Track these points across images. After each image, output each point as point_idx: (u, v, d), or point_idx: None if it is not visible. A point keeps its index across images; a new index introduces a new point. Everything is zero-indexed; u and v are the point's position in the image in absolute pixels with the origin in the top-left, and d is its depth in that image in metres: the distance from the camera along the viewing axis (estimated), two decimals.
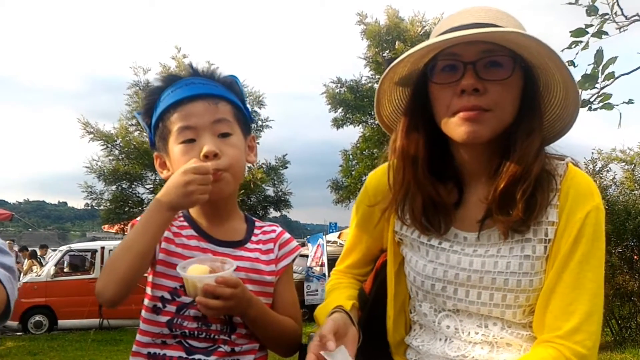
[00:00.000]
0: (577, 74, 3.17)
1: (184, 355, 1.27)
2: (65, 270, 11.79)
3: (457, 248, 1.23)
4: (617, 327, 7.51)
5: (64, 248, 12.36)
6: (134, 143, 11.53)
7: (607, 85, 3.08)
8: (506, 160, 1.16)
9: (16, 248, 15.54)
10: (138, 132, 11.53)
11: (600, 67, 3.01)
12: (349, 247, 1.48)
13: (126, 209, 11.88)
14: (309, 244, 12.32)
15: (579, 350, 1.09)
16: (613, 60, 2.95)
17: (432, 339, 1.27)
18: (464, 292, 1.21)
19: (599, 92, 3.09)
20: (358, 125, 13.51)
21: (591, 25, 3.09)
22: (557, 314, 1.12)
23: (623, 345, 7.01)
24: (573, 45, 3.11)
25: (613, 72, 3.02)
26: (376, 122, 1.41)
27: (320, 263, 11.61)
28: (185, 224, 1.37)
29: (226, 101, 1.37)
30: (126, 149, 11.69)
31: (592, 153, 8.34)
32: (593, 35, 3.06)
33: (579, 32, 3.09)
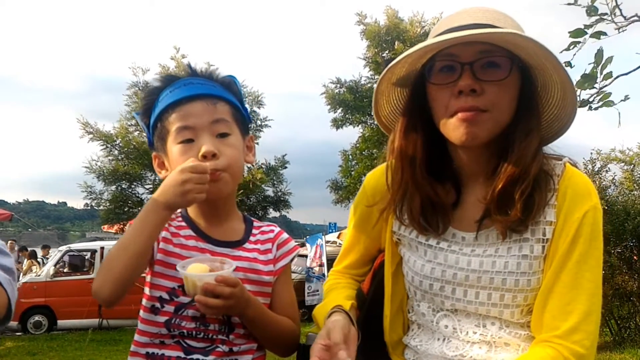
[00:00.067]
0: (576, 74, 3.18)
1: (182, 355, 1.27)
2: (64, 270, 11.79)
3: (455, 248, 1.24)
4: (616, 327, 7.51)
5: (64, 248, 12.36)
6: (134, 143, 11.53)
7: (606, 85, 3.08)
8: (504, 160, 1.16)
9: (16, 248, 15.53)
10: (137, 132, 11.54)
11: (599, 67, 3.01)
12: (346, 247, 1.48)
13: (126, 209, 11.89)
14: (308, 244, 12.31)
15: (577, 350, 1.09)
16: (610, 60, 2.95)
17: (430, 338, 1.28)
18: (462, 291, 1.21)
19: (598, 92, 3.10)
20: (357, 126, 13.52)
21: (590, 26, 3.09)
22: (555, 314, 1.13)
23: (622, 345, 7.02)
24: (572, 47, 3.12)
25: (611, 72, 3.03)
26: (375, 122, 1.42)
27: (319, 263, 11.61)
28: (183, 224, 1.37)
29: (224, 101, 1.37)
30: (126, 149, 11.70)
31: (591, 153, 8.35)
32: (591, 36, 3.07)
33: (577, 33, 3.10)
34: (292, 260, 1.44)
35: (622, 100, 3.09)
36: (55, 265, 11.70)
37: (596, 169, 8.07)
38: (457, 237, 1.25)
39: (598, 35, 3.07)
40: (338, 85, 13.22)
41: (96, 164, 11.81)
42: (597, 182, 7.59)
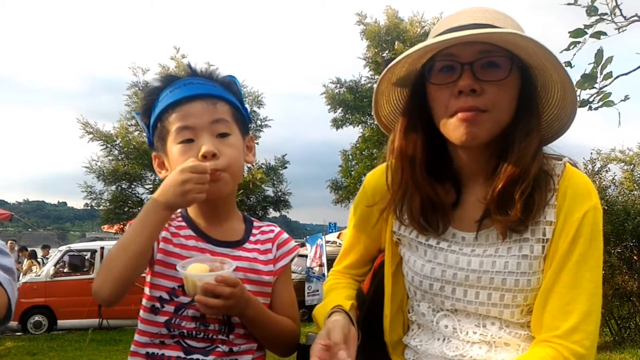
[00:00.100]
0: (576, 74, 3.18)
1: (182, 355, 1.27)
2: (64, 270, 11.79)
3: (455, 248, 1.24)
4: (616, 328, 7.51)
5: (64, 248, 12.36)
6: (134, 143, 11.54)
7: (606, 85, 3.08)
8: (504, 160, 1.17)
9: (16, 248, 15.53)
10: (138, 132, 11.54)
11: (599, 67, 3.01)
12: (346, 247, 1.48)
13: (126, 209, 11.89)
14: (308, 244, 12.31)
15: (577, 350, 1.09)
16: (610, 60, 2.95)
17: (430, 338, 1.28)
18: (462, 291, 1.21)
19: (598, 92, 3.10)
20: (357, 126, 13.52)
21: (590, 26, 3.09)
22: (555, 314, 1.13)
23: (622, 345, 7.02)
24: (572, 47, 3.12)
25: (611, 72, 3.03)
26: (375, 122, 1.42)
27: (319, 263, 11.60)
28: (183, 224, 1.37)
29: (224, 101, 1.37)
30: (126, 149, 11.71)
31: (591, 153, 8.35)
32: (591, 36, 3.07)
33: (577, 33, 3.10)
34: (292, 260, 1.44)
35: (622, 100, 3.09)
36: (55, 265, 11.70)
37: (596, 169, 8.07)
38: (457, 237, 1.25)
39: (598, 35, 3.07)
40: (338, 85, 13.22)
41: (96, 164, 11.83)
42: (597, 182, 7.59)
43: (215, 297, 1.20)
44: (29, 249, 15.85)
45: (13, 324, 10.76)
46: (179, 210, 1.41)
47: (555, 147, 1.26)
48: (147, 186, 12.09)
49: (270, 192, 12.88)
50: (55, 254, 12.76)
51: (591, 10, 3.09)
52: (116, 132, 11.82)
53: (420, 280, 1.26)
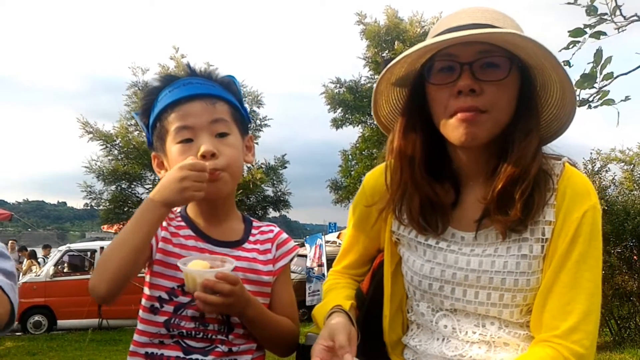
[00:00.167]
0: (575, 74, 3.17)
1: (181, 355, 1.27)
2: (64, 270, 11.79)
3: (455, 247, 1.24)
4: (616, 328, 7.52)
5: (63, 248, 12.35)
6: (134, 143, 11.54)
7: (606, 85, 3.08)
8: (504, 160, 1.17)
9: (16, 248, 15.53)
10: (137, 132, 11.54)
11: (599, 67, 3.01)
12: (346, 247, 1.48)
13: (125, 209, 11.89)
14: (307, 245, 12.30)
15: (577, 350, 1.09)
16: (609, 60, 2.95)
17: (430, 338, 1.28)
18: (461, 291, 1.21)
19: (597, 91, 3.10)
20: (357, 126, 13.52)
21: (590, 26, 3.09)
22: (555, 314, 1.13)
23: (622, 345, 7.02)
24: (571, 46, 3.12)
25: (612, 72, 3.03)
26: (375, 122, 1.42)
27: (319, 263, 11.60)
28: (182, 224, 1.37)
29: (224, 101, 1.37)
30: (125, 148, 11.71)
31: (591, 153, 8.35)
32: (591, 36, 3.07)
33: (577, 32, 3.09)
34: (291, 260, 1.44)
35: (622, 100, 3.09)
36: (55, 265, 11.69)
37: (596, 169, 8.07)
38: (456, 236, 1.25)
39: (597, 35, 3.07)
40: (338, 85, 13.21)
41: (96, 164, 11.84)
42: (597, 182, 7.59)
43: (215, 294, 1.20)
44: (29, 249, 15.85)
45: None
46: (178, 210, 1.41)
47: (555, 147, 1.26)
48: (146, 186, 12.09)
49: (270, 192, 12.90)
50: (55, 254, 12.76)
51: (591, 10, 3.09)
52: (116, 132, 11.83)
53: (419, 280, 1.26)
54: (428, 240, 1.27)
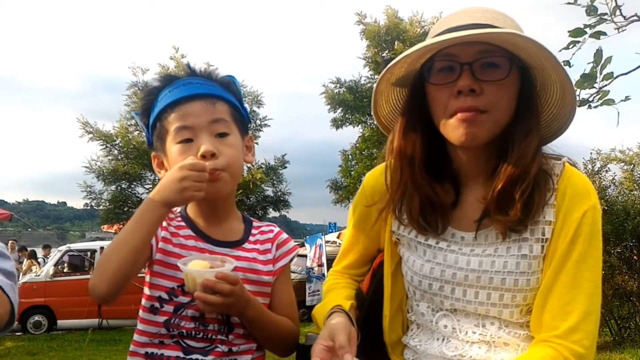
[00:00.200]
0: (575, 74, 3.17)
1: (181, 355, 1.27)
2: (64, 270, 11.78)
3: (455, 247, 1.24)
4: (616, 328, 7.52)
5: (63, 248, 12.35)
6: (134, 143, 11.54)
7: (606, 85, 3.08)
8: (504, 160, 1.17)
9: (16, 248, 15.53)
10: (137, 132, 11.54)
11: (599, 67, 3.01)
12: (346, 247, 1.48)
13: (125, 209, 11.89)
14: (307, 245, 12.29)
15: (577, 350, 1.09)
16: (609, 60, 2.95)
17: (430, 338, 1.28)
18: (461, 291, 1.21)
19: (597, 91, 3.10)
20: (357, 126, 13.51)
21: (590, 26, 3.09)
22: (555, 314, 1.13)
23: (622, 345, 7.02)
24: (571, 46, 3.12)
25: (612, 72, 3.03)
26: (375, 122, 1.42)
27: (319, 263, 11.59)
28: (182, 224, 1.37)
29: (224, 101, 1.37)
30: (125, 148, 11.71)
31: (591, 153, 8.35)
32: (591, 36, 3.06)
33: (577, 32, 3.09)
34: (291, 260, 1.44)
35: (622, 101, 3.09)
36: (55, 265, 11.69)
37: (596, 169, 8.07)
38: (456, 236, 1.25)
39: (597, 35, 3.07)
40: (338, 85, 13.21)
41: (96, 164, 11.83)
42: (597, 182, 7.59)
43: (215, 294, 1.20)
44: (29, 249, 15.85)
45: None
46: (178, 210, 1.41)
47: (555, 147, 1.26)
48: (146, 186, 12.09)
49: (270, 192, 12.90)
50: (54, 253, 12.76)
51: (591, 10, 3.09)
52: (116, 132, 11.83)
53: (419, 279, 1.26)
54: (428, 240, 1.27)
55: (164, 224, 1.33)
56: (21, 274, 12.65)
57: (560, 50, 3.11)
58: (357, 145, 13.47)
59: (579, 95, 3.09)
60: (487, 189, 1.19)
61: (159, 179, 1.33)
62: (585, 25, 3.08)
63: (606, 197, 7.58)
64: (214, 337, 1.29)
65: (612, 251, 7.29)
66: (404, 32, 12.06)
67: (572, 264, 1.13)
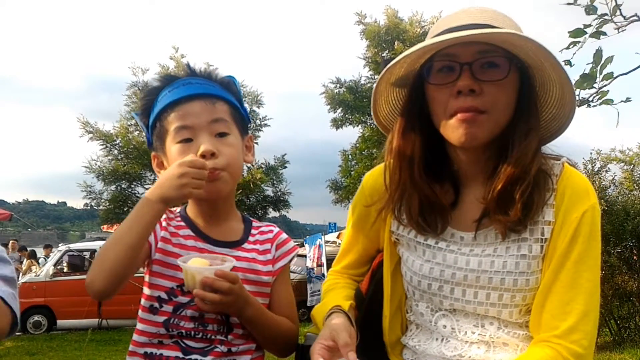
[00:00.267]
0: (575, 74, 3.17)
1: (180, 355, 1.27)
2: (64, 270, 11.78)
3: (454, 248, 1.24)
4: (616, 328, 7.52)
5: (63, 248, 12.35)
6: (134, 143, 11.54)
7: (606, 85, 3.08)
8: (504, 160, 1.17)
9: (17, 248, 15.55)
10: (137, 132, 11.55)
11: (599, 67, 3.01)
12: (345, 247, 1.48)
13: (125, 209, 11.88)
14: (307, 245, 12.29)
15: (576, 350, 1.09)
16: (610, 59, 2.95)
17: (429, 338, 1.28)
18: (460, 291, 1.21)
19: (597, 91, 3.09)
20: (357, 126, 13.50)
21: (589, 25, 3.09)
22: (554, 314, 1.13)
23: (622, 345, 7.03)
24: (571, 46, 3.12)
25: (612, 72, 3.03)
26: (375, 122, 1.42)
27: (318, 263, 11.59)
28: (182, 224, 1.37)
29: (223, 101, 1.37)
30: (125, 148, 11.71)
31: (591, 153, 8.36)
32: (591, 36, 3.06)
33: (577, 33, 3.09)
34: (291, 260, 1.44)
35: (622, 101, 3.09)
36: (54, 265, 11.69)
37: (596, 169, 8.08)
38: (455, 237, 1.25)
39: (597, 35, 3.07)
40: (338, 85, 13.19)
41: (96, 164, 11.83)
42: (596, 182, 7.60)
43: (214, 292, 1.20)
44: (29, 249, 15.85)
45: None
46: (178, 210, 1.41)
47: (555, 147, 1.26)
48: (146, 186, 12.08)
49: (269, 192, 12.90)
50: (54, 253, 12.75)
51: (590, 9, 3.09)
52: (116, 132, 11.83)
53: (418, 280, 1.26)
54: (427, 240, 1.27)
55: (164, 224, 1.33)
56: (21, 274, 12.65)
57: (561, 51, 3.11)
58: (357, 145, 13.46)
59: (578, 95, 3.09)
60: (486, 189, 1.19)
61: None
62: (585, 26, 3.08)
63: (606, 197, 7.59)
64: (213, 337, 1.29)
65: (612, 251, 7.30)
66: (404, 32, 12.05)
67: (572, 264, 1.13)
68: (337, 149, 14.15)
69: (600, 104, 3.09)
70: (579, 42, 3.11)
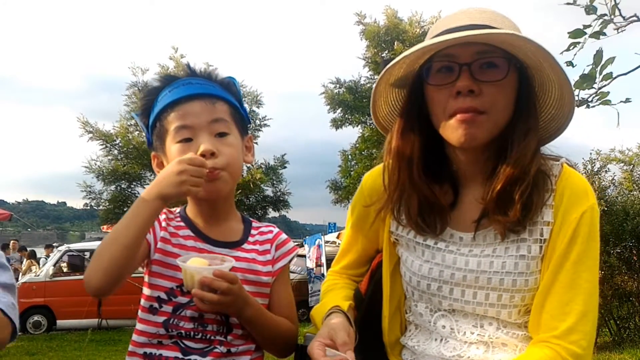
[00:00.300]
0: (575, 74, 3.17)
1: (180, 355, 1.27)
2: (64, 270, 11.77)
3: (453, 248, 1.24)
4: (615, 328, 7.53)
5: (63, 248, 12.34)
6: (134, 143, 11.54)
7: (605, 85, 3.08)
8: (503, 161, 1.17)
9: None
10: (137, 132, 11.55)
11: (599, 68, 3.01)
12: (344, 248, 1.48)
13: (125, 209, 11.87)
14: (306, 245, 12.29)
15: (575, 350, 1.10)
16: (611, 60, 2.95)
17: (428, 339, 1.28)
18: (459, 292, 1.21)
19: (596, 92, 3.09)
20: (357, 126, 13.50)
21: (589, 26, 3.09)
22: (554, 314, 1.13)
23: (621, 345, 7.03)
24: (571, 47, 3.12)
25: (611, 73, 3.02)
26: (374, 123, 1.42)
27: (318, 264, 11.59)
28: (182, 224, 1.37)
29: (223, 101, 1.37)
30: (125, 148, 11.72)
31: (591, 154, 8.36)
32: (591, 36, 3.06)
33: (577, 33, 3.09)
34: (290, 260, 1.44)
35: (621, 102, 3.09)
36: (54, 265, 11.68)
37: (596, 169, 8.07)
38: (454, 237, 1.25)
39: (597, 35, 3.07)
40: (337, 85, 13.19)
41: (96, 164, 11.85)
42: (596, 183, 7.59)
43: (213, 292, 1.20)
44: (29, 249, 15.85)
45: None
46: (177, 210, 1.41)
47: (554, 147, 1.26)
48: (146, 186, 12.05)
49: (269, 192, 12.91)
50: (54, 253, 12.75)
51: (589, 9, 3.09)
52: (116, 132, 11.83)
53: (418, 280, 1.26)
54: (426, 241, 1.27)
55: (163, 224, 1.33)
56: (21, 274, 12.65)
57: (561, 53, 3.11)
58: (357, 145, 13.46)
59: (578, 96, 3.09)
60: (486, 189, 1.19)
61: None
62: (585, 26, 3.08)
63: (606, 198, 7.58)
64: (212, 337, 1.29)
65: (612, 251, 7.30)
66: (404, 33, 12.05)
67: (571, 265, 1.13)
68: (336, 149, 14.16)
69: (599, 104, 3.09)
70: (578, 42, 3.11)
